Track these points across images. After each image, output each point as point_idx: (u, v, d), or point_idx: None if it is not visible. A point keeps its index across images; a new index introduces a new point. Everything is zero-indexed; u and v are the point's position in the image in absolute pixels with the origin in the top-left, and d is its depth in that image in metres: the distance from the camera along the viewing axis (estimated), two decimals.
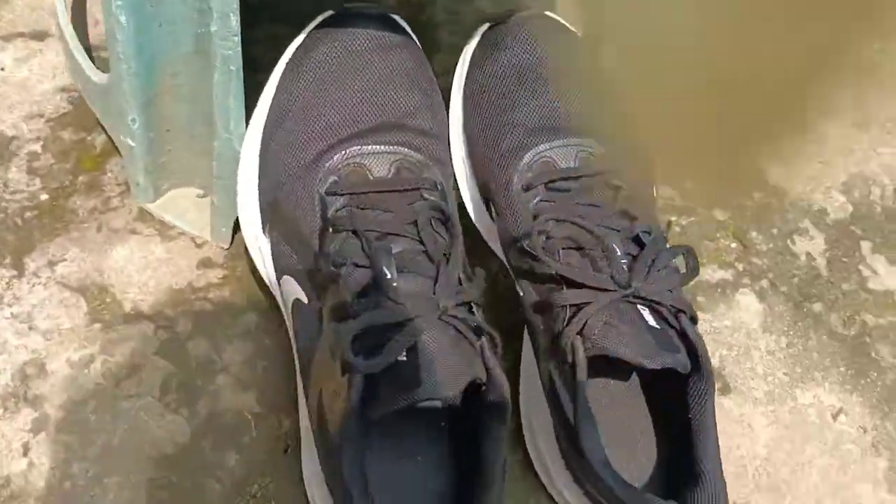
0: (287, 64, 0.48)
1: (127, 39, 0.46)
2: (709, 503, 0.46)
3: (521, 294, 0.49)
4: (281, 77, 0.48)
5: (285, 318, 0.49)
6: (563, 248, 0.47)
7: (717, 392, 0.58)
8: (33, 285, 0.54)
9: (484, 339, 0.43)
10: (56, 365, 0.52)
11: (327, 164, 0.46)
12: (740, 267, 0.65)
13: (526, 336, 0.52)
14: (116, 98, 0.50)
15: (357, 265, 0.43)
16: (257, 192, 0.49)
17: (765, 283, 0.64)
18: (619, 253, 0.46)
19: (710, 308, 0.62)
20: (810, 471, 0.57)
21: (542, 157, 0.49)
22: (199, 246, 0.58)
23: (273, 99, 0.48)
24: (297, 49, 0.48)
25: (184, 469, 0.50)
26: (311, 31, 0.49)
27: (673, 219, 0.66)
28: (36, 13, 0.65)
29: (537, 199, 0.48)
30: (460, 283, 0.43)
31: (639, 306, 0.46)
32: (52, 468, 0.49)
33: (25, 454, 0.49)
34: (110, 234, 0.57)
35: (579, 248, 0.47)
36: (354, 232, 0.43)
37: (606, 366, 0.46)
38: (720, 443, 0.48)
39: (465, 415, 0.46)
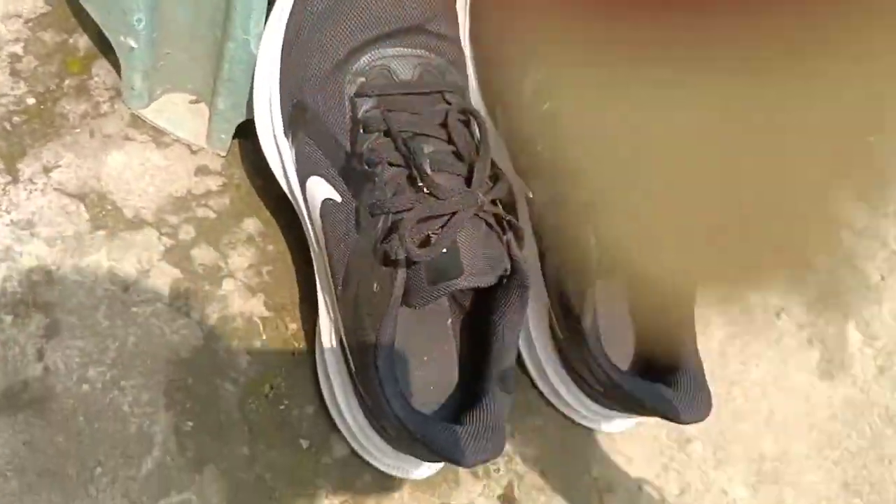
0: None
1: None
2: (692, 389, 0.52)
3: (531, 195, 0.53)
4: None
5: (304, 217, 0.50)
6: None
7: None
8: (30, 192, 0.53)
9: (510, 233, 0.46)
10: (63, 271, 0.52)
11: (354, 66, 0.47)
12: None
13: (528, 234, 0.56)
14: None
15: (391, 164, 0.45)
16: (279, 96, 0.49)
17: None
18: None
19: None
20: (757, 362, 0.64)
21: None
22: (194, 153, 0.58)
23: (293, 4, 0.48)
24: None
25: (199, 371, 0.52)
26: None
27: None
28: None
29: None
30: (489, 182, 0.46)
31: None
32: (68, 372, 0.49)
33: (41, 359, 0.49)
34: (104, 139, 0.56)
35: None
36: (386, 133, 0.45)
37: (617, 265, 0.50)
38: None
39: (481, 308, 0.50)
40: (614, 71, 0.13)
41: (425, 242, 0.43)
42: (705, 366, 0.62)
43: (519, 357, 0.58)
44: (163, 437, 0.49)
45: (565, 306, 0.52)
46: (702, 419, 0.51)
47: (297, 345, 0.54)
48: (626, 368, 0.54)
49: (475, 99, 0.56)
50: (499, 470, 0.55)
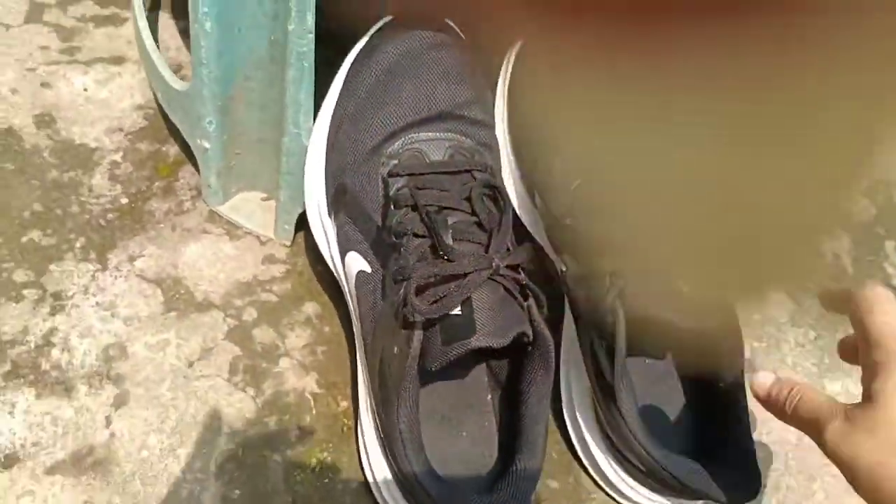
0: (350, 65, 0.53)
1: (210, 45, 0.52)
2: (739, 466, 0.50)
3: (564, 269, 0.54)
4: (346, 77, 0.53)
5: (347, 294, 0.53)
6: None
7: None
8: (115, 278, 0.59)
9: (531, 299, 0.47)
10: (136, 347, 0.56)
11: (388, 150, 0.51)
12: None
13: (567, 312, 0.56)
14: (195, 102, 0.56)
15: (416, 234, 0.47)
16: (324, 180, 0.54)
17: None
18: None
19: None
20: None
21: None
22: (263, 244, 0.63)
23: (339, 96, 0.53)
24: (359, 51, 0.53)
25: (249, 443, 0.54)
26: (371, 35, 0.54)
27: None
28: (113, 42, 0.72)
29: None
30: (509, 250, 0.47)
31: None
32: (131, 439, 0.53)
33: (108, 426, 0.53)
34: (184, 233, 0.62)
35: None
36: (414, 207, 0.48)
37: (645, 335, 0.50)
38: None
39: (512, 379, 0.50)
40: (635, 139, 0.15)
41: (437, 302, 0.44)
42: (780, 457, 0.59)
43: (568, 439, 0.57)
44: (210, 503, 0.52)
45: (602, 383, 0.51)
46: (750, 499, 0.49)
47: (346, 421, 0.56)
48: (671, 446, 0.52)
49: (514, 181, 0.58)
50: None
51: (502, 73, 0.59)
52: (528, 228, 0.59)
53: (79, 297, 0.58)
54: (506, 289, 0.46)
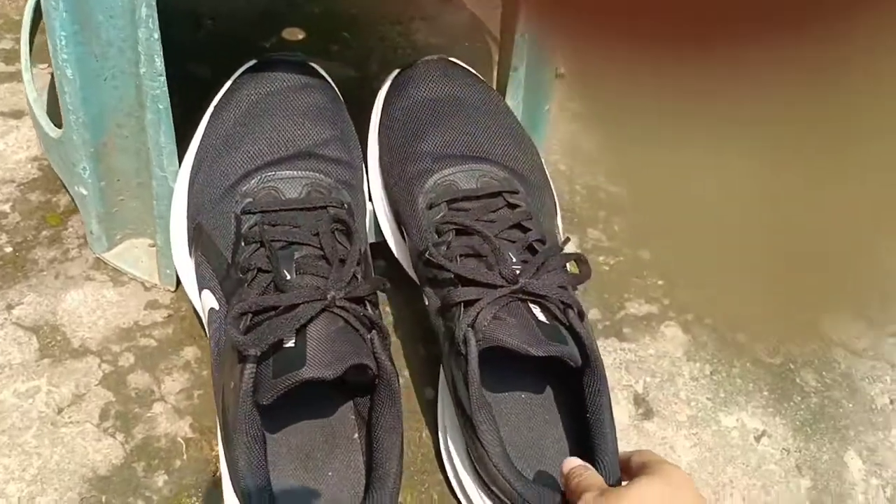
0: (214, 107, 0.54)
1: (74, 91, 0.53)
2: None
3: (427, 302, 0.53)
4: (209, 119, 0.54)
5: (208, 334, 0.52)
6: (461, 256, 0.51)
7: (639, 416, 0.61)
8: None
9: (374, 332, 0.46)
10: (3, 395, 0.56)
11: (244, 188, 0.51)
12: (666, 301, 0.68)
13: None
14: (69, 149, 0.57)
15: (262, 270, 0.47)
16: (185, 221, 0.54)
17: (690, 316, 0.67)
18: (510, 256, 0.50)
19: (636, 339, 0.65)
20: (732, 491, 0.58)
21: (446, 179, 0.54)
22: (147, 290, 0.63)
23: (201, 138, 0.54)
24: (224, 93, 0.54)
25: (114, 489, 0.53)
26: (236, 77, 0.55)
27: (601, 258, 0.70)
28: (15, 96, 0.73)
29: (440, 215, 0.53)
30: (353, 282, 0.47)
31: (529, 304, 0.49)
32: None
33: None
34: (67, 280, 0.62)
35: (476, 256, 0.51)
36: (262, 243, 0.48)
37: (503, 363, 0.49)
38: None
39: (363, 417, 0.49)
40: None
41: (258, 332, 0.44)
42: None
43: (448, 479, 0.55)
44: None
45: (464, 416, 0.50)
46: None
47: (219, 466, 0.55)
48: (540, 477, 0.50)
49: (389, 220, 0.58)
50: None
51: (374, 113, 0.59)
52: (401, 261, 0.59)
53: None
54: (346, 321, 0.46)
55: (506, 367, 0.51)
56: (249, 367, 0.43)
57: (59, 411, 0.56)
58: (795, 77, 0.12)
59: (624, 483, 0.48)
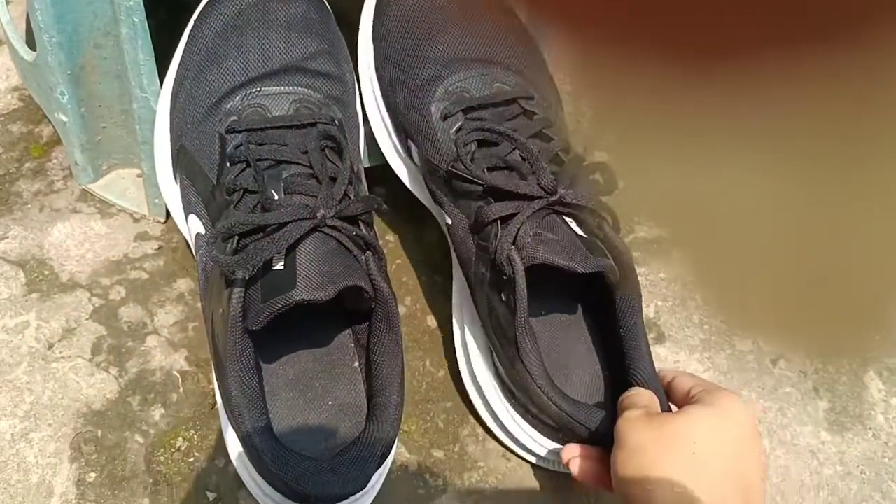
0: (194, 21, 0.51)
1: (45, 8, 0.49)
2: None
3: (449, 222, 0.50)
4: (189, 34, 0.51)
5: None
6: (489, 168, 0.48)
7: (652, 341, 0.58)
8: None
9: (369, 253, 0.44)
10: None
11: (228, 106, 0.48)
12: None
13: (456, 268, 0.53)
14: (45, 72, 0.54)
15: (248, 191, 0.44)
16: (169, 143, 0.51)
17: None
18: (544, 163, 0.47)
19: (646, 262, 0.63)
20: None
21: (456, 86, 0.51)
22: (136, 221, 0.60)
23: (182, 55, 0.51)
24: (204, 5, 0.51)
25: (110, 423, 0.51)
26: None
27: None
28: None
29: (457, 125, 0.50)
30: (347, 199, 0.44)
31: (565, 217, 0.47)
32: None
33: None
34: (52, 213, 0.60)
35: (505, 168, 0.48)
36: (248, 163, 0.45)
37: (538, 281, 0.46)
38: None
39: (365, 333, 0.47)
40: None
41: (243, 253, 0.41)
42: None
43: (471, 404, 0.54)
44: (63, 489, 0.49)
45: (503, 340, 0.48)
46: None
47: (216, 399, 0.53)
48: (579, 396, 0.49)
49: (387, 133, 0.55)
50: None
51: (364, 21, 0.56)
52: (405, 182, 0.56)
53: None
54: (338, 241, 0.43)
55: (537, 284, 0.49)
56: (237, 291, 0.41)
57: (50, 346, 0.54)
58: (821, 89, 0.12)
59: (674, 410, 0.46)
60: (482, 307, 0.50)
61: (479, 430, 0.54)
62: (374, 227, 0.48)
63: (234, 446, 0.47)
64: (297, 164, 0.46)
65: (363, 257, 0.44)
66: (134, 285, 0.57)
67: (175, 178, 0.51)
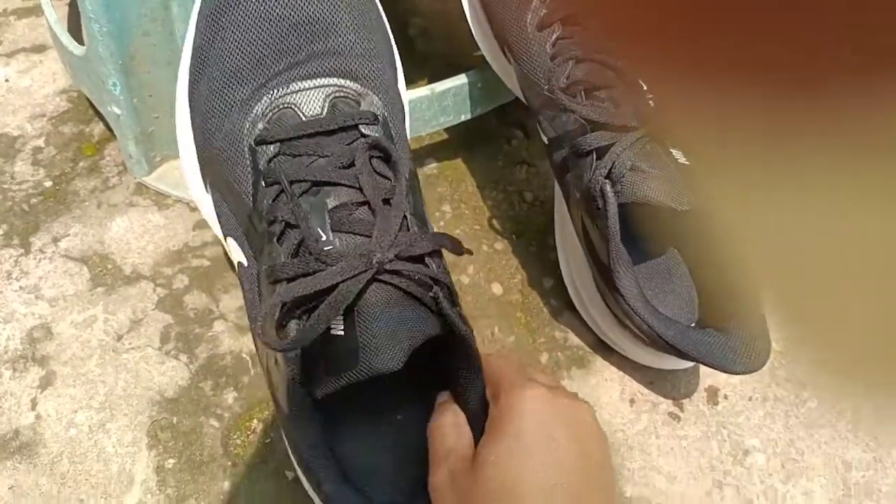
0: (200, 4, 0.44)
1: None
2: (745, 337, 0.46)
3: (546, 141, 0.49)
4: (196, 21, 0.44)
5: None
6: (586, 90, 0.46)
7: None
8: (39, 260, 0.57)
9: (437, 289, 0.37)
10: (61, 327, 0.54)
11: (255, 109, 0.42)
12: None
13: (556, 183, 0.52)
14: (97, 64, 0.54)
15: (289, 224, 0.38)
16: (194, 146, 0.44)
17: None
18: (644, 87, 0.45)
19: None
20: None
21: None
22: (193, 210, 0.60)
23: (195, 38, 0.44)
24: None
25: (184, 410, 0.51)
26: None
27: None
28: (35, 31, 0.70)
29: (554, 36, 0.48)
30: (406, 230, 0.38)
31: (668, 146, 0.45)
32: (58, 419, 0.50)
33: (33, 408, 0.50)
34: (110, 208, 0.60)
35: (601, 88, 0.46)
36: (289, 188, 0.39)
37: (632, 208, 0.45)
38: None
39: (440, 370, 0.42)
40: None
41: (300, 326, 0.36)
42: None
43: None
44: (143, 476, 0.48)
45: (599, 263, 0.48)
46: (756, 370, 0.46)
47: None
48: (673, 317, 0.48)
49: (483, 36, 0.53)
50: None
51: None
52: (502, 78, 0.55)
53: (0, 283, 0.55)
54: (401, 290, 0.36)
55: (632, 211, 0.48)
56: (292, 358, 0.37)
57: (119, 338, 0.53)
58: None
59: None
60: (577, 226, 0.50)
61: None
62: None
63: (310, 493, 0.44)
64: (343, 185, 0.38)
65: (430, 295, 0.37)
66: (196, 273, 0.57)
67: (206, 188, 0.45)
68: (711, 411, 0.53)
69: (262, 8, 0.43)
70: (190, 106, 0.44)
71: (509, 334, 0.55)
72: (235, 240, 0.42)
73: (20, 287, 0.55)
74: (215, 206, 0.44)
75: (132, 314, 0.55)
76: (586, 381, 0.54)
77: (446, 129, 0.67)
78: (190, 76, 0.44)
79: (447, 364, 0.40)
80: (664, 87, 0.12)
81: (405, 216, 0.38)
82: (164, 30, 0.52)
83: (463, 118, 0.60)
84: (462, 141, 0.67)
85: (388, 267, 0.36)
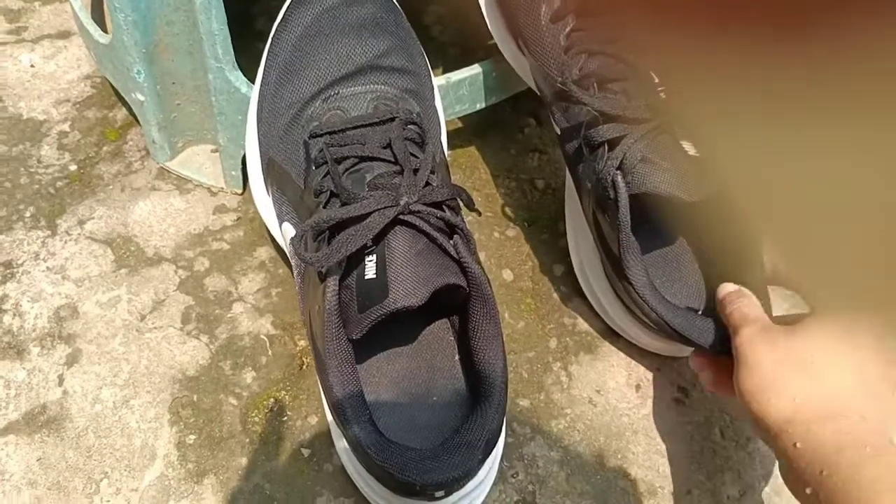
0: (271, 38, 0.51)
1: None
2: None
3: (558, 132, 0.51)
4: (268, 49, 0.51)
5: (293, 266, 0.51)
6: (598, 82, 0.48)
7: None
8: (65, 242, 0.58)
9: (457, 237, 0.43)
10: (87, 307, 0.56)
11: (308, 112, 0.49)
12: None
13: (567, 171, 0.54)
14: (121, 53, 0.55)
15: (333, 193, 0.45)
16: (258, 154, 0.52)
17: None
18: (656, 80, 0.46)
19: None
20: None
21: None
22: (214, 195, 0.62)
23: (263, 70, 0.52)
24: (278, 22, 0.51)
25: (204, 388, 0.53)
26: (288, 4, 0.51)
27: None
28: (60, 17, 0.71)
29: (568, 29, 0.49)
30: (430, 186, 0.44)
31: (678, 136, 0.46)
32: (83, 395, 0.52)
33: (60, 384, 0.52)
34: (133, 192, 0.61)
35: (613, 80, 0.47)
36: (333, 162, 0.45)
37: (643, 199, 0.47)
38: None
39: (467, 333, 0.46)
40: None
41: (329, 249, 0.42)
42: None
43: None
44: (165, 451, 0.50)
45: (609, 253, 0.50)
46: None
47: (305, 360, 0.54)
48: (681, 305, 0.50)
49: (497, 29, 0.55)
50: (517, 475, 0.51)
51: None
52: (516, 69, 0.56)
53: (29, 263, 0.57)
54: (424, 233, 0.42)
55: (643, 203, 0.49)
56: (332, 285, 0.41)
57: (142, 318, 0.55)
58: None
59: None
60: (588, 215, 0.51)
61: (563, 377, 0.55)
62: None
63: (341, 445, 0.48)
64: (381, 160, 0.45)
65: (451, 242, 0.43)
66: (217, 256, 0.58)
67: (267, 190, 0.52)
68: (715, 397, 0.54)
69: (314, 37, 0.50)
70: (257, 121, 0.52)
71: (519, 320, 0.57)
72: (289, 221, 0.49)
73: (47, 268, 0.57)
74: (274, 202, 0.51)
75: (154, 295, 0.56)
76: (593, 367, 0.55)
77: (460, 118, 0.68)
78: (259, 96, 0.52)
79: (466, 311, 0.45)
80: (674, 42, 0.13)
81: (428, 181, 0.45)
82: (188, 19, 0.54)
83: (478, 107, 0.61)
84: (475, 129, 0.68)
85: (412, 208, 0.42)
